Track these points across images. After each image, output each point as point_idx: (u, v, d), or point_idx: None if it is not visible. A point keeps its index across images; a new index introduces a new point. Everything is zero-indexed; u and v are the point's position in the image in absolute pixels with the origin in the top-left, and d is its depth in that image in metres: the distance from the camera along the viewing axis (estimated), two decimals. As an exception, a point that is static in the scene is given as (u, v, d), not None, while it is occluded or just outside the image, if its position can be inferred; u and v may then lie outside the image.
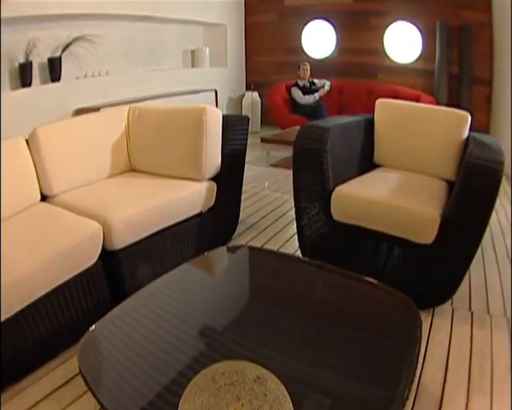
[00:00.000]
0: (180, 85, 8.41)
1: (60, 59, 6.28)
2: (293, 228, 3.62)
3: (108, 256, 2.86)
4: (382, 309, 2.19)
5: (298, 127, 7.04)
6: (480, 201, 2.63)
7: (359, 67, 9.29)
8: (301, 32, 9.74)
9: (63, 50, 6.35)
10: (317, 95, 8.53)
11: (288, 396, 1.56)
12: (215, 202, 3.61)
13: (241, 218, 4.11)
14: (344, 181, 3.32)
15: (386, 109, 4.10)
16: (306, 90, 8.54)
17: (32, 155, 3.37)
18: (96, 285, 2.76)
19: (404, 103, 4.25)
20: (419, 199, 3.00)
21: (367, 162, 3.93)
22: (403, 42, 8.73)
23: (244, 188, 4.16)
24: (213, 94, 8.59)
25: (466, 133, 3.68)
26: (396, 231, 2.90)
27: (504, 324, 2.88)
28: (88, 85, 6.68)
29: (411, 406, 2.17)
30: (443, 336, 2.74)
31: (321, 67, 9.46)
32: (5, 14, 5.33)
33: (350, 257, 3.18)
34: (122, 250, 2.90)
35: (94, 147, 3.75)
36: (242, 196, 4.11)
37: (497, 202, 2.71)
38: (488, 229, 2.82)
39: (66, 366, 2.51)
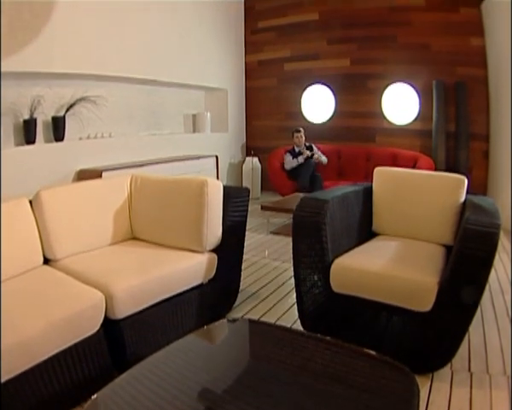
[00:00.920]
0: (181, 150, 8.50)
1: (64, 118, 6.38)
2: (294, 297, 3.63)
3: (110, 325, 2.86)
4: (380, 380, 2.20)
5: (298, 194, 7.19)
6: (477, 266, 2.67)
7: (357, 131, 9.44)
8: (300, 97, 9.93)
9: (67, 110, 6.45)
10: (300, 158, 8.43)
11: None
12: (216, 273, 3.62)
13: (241, 287, 4.12)
14: (343, 252, 3.36)
15: (383, 178, 4.18)
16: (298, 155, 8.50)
17: (35, 218, 3.43)
18: (97, 353, 2.77)
19: (401, 171, 4.35)
20: (416, 267, 3.04)
21: (366, 231, 3.98)
22: (400, 103, 8.88)
23: (244, 256, 4.19)
24: (214, 160, 8.65)
25: (463, 197, 3.77)
26: (394, 300, 2.92)
27: (504, 382, 2.88)
28: (91, 147, 6.75)
29: None
30: (442, 399, 2.73)
31: (320, 132, 9.65)
32: (11, 69, 5.46)
33: (349, 326, 3.19)
34: (124, 320, 2.90)
35: (97, 213, 3.82)
36: (243, 265, 4.13)
37: (496, 257, 2.73)
38: (487, 286, 2.83)
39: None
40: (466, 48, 8.31)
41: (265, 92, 10.37)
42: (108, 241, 3.86)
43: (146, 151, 7.69)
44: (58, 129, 6.32)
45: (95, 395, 2.00)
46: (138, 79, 7.66)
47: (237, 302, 4.05)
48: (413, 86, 8.75)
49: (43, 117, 6.23)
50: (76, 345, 2.62)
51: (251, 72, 10.52)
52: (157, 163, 7.26)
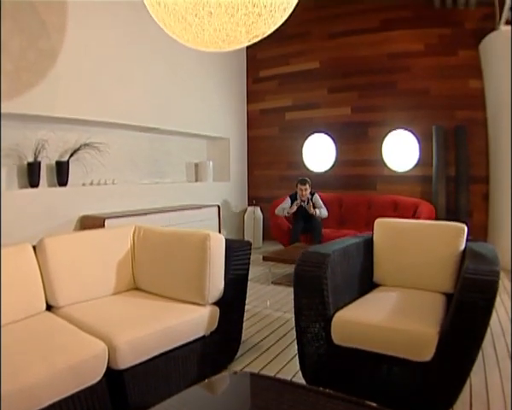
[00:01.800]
0: (184, 199, 8.56)
1: (67, 163, 6.46)
2: (295, 349, 3.64)
3: (113, 375, 2.87)
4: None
5: (299, 244, 7.21)
6: (477, 314, 2.70)
7: (358, 179, 9.52)
8: (302, 146, 10.05)
9: (71, 155, 6.54)
10: (289, 209, 8.22)
11: None
12: (218, 325, 3.63)
13: (243, 338, 4.12)
14: (344, 304, 3.39)
15: (384, 229, 4.24)
16: (304, 212, 8.20)
17: (38, 264, 3.50)
18: (99, 402, 2.77)
19: (401, 221, 4.40)
20: (416, 318, 3.07)
21: (367, 282, 4.01)
22: (400, 150, 8.96)
23: (246, 307, 4.21)
24: (216, 209, 8.67)
25: (463, 245, 3.83)
26: (395, 351, 2.94)
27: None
28: (94, 193, 6.81)
29: None
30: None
31: (321, 181, 9.69)
32: (16, 111, 5.57)
33: (351, 378, 3.19)
34: (126, 370, 2.91)
35: (100, 262, 3.88)
36: (244, 316, 4.13)
37: (497, 299, 2.75)
38: (488, 329, 2.86)
39: None
40: (465, 91, 8.46)
41: (267, 141, 10.48)
42: (111, 290, 3.91)
43: (148, 199, 7.74)
44: (62, 174, 6.41)
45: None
46: (142, 127, 7.78)
47: (239, 353, 4.05)
48: (413, 132, 8.86)
49: (47, 161, 6.34)
50: (78, 393, 2.63)
51: (253, 121, 10.64)
52: (159, 212, 7.29)
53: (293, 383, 3.27)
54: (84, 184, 6.94)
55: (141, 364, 3.01)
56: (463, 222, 4.06)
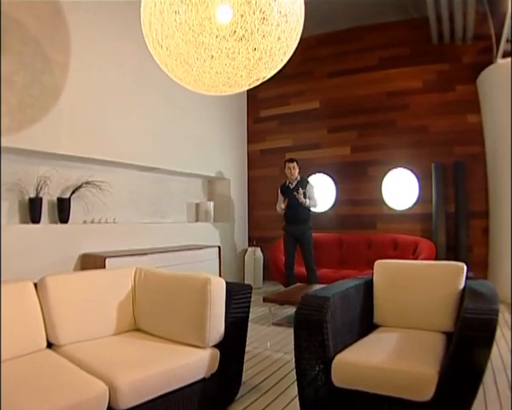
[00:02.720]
0: (184, 239, 8.55)
1: (69, 200, 6.48)
2: (295, 390, 3.62)
3: (113, 415, 2.86)
4: None
5: (300, 285, 7.21)
6: (477, 352, 2.71)
7: (358, 218, 9.59)
8: (302, 187, 9.94)
9: (73, 192, 6.57)
10: (282, 205, 8.13)
11: None
12: (218, 367, 3.62)
13: (243, 379, 4.09)
14: (344, 346, 3.39)
15: (384, 270, 4.27)
16: (291, 195, 8.08)
17: (39, 302, 3.54)
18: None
19: (400, 262, 4.44)
20: (416, 358, 3.07)
21: (367, 324, 4.01)
22: (400, 189, 9.05)
23: (247, 348, 4.20)
24: (217, 250, 8.66)
25: (462, 284, 3.86)
26: (395, 392, 2.93)
27: None
28: (95, 231, 6.81)
29: None
30: None
31: (321, 221, 9.76)
32: (19, 145, 5.65)
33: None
34: (126, 411, 2.90)
35: (101, 303, 3.90)
36: (245, 357, 4.11)
37: (498, 332, 2.76)
38: (489, 363, 2.85)
39: None
40: (463, 126, 8.59)
41: (267, 181, 10.53)
42: (112, 331, 3.92)
43: (149, 239, 7.75)
44: (63, 211, 6.44)
45: None
46: (143, 167, 7.83)
47: (239, 394, 4.02)
48: (412, 171, 8.94)
49: (49, 197, 6.38)
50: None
51: (253, 161, 10.70)
52: (160, 252, 7.29)
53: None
54: (85, 222, 6.97)
55: (141, 405, 2.99)
56: (463, 259, 4.09)
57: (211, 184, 10.23)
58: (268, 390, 4.22)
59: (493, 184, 8.06)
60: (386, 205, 9.27)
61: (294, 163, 8.17)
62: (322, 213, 9.94)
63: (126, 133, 7.31)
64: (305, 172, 9.77)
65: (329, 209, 9.90)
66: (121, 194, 7.74)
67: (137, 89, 7.57)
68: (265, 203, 10.35)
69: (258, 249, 10.13)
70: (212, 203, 9.62)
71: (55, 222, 6.45)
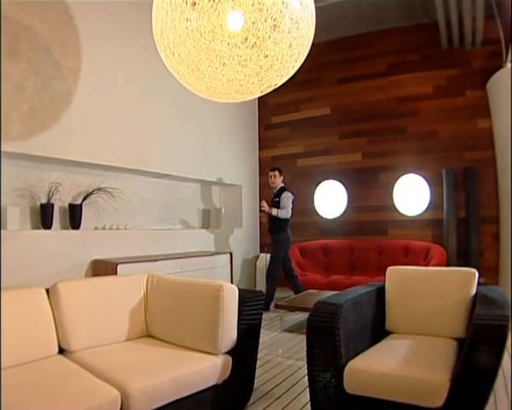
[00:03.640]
0: (196, 246, 8.58)
1: (80, 207, 6.49)
2: (307, 397, 3.62)
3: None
4: None
5: (311, 291, 7.20)
6: (488, 359, 2.71)
7: (370, 224, 9.54)
8: (313, 193, 10.06)
9: (84, 199, 6.59)
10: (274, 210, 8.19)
11: None
12: (230, 374, 3.62)
13: (255, 386, 4.10)
14: (356, 353, 3.38)
15: (396, 276, 4.28)
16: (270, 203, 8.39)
17: (51, 308, 3.56)
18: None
19: (412, 269, 4.43)
20: (428, 365, 3.07)
21: (379, 331, 4.01)
22: (411, 195, 8.99)
23: (258, 355, 4.17)
24: (228, 256, 8.67)
25: (474, 290, 3.87)
26: (406, 398, 2.92)
27: None
28: (106, 237, 6.83)
29: None
30: None
31: (332, 227, 9.80)
32: (31, 152, 5.67)
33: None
34: (138, 417, 2.89)
35: (113, 309, 3.92)
36: (257, 364, 4.12)
37: (509, 337, 2.75)
38: (500, 371, 2.84)
39: None
40: (473, 131, 8.55)
41: (279, 188, 10.42)
42: (123, 337, 3.93)
43: (161, 245, 7.75)
44: (74, 217, 6.45)
45: None
46: (154, 173, 7.84)
47: (251, 401, 4.02)
48: (423, 177, 8.89)
49: (60, 203, 6.39)
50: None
51: (265, 167, 10.68)
52: (171, 258, 7.29)
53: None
54: (96, 228, 6.98)
55: (152, 411, 2.99)
56: (474, 265, 4.09)
57: (222, 191, 10.24)
58: (279, 397, 4.22)
59: (503, 189, 8.01)
60: (397, 211, 9.24)
61: (276, 172, 8.39)
62: (333, 219, 9.95)
63: (137, 140, 7.33)
64: (317, 179, 9.81)
65: (341, 216, 9.87)
66: (133, 200, 7.76)
67: (148, 95, 7.59)
68: (277, 210, 10.38)
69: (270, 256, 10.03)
70: (223, 209, 9.63)
71: (67, 228, 6.47)
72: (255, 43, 3.37)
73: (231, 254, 8.71)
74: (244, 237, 10.26)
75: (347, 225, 9.80)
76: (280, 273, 8.37)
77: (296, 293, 7.96)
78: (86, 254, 6.45)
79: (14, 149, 5.54)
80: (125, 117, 7.12)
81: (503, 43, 7.89)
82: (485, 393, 2.76)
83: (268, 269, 8.30)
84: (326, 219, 10.01)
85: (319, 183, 10.05)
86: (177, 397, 3.16)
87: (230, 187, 10.00)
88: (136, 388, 2.86)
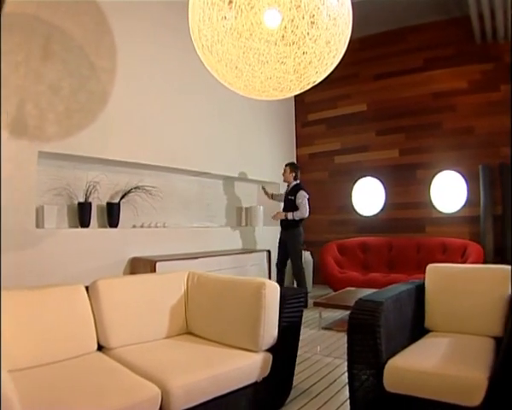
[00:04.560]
0: (234, 243, 8.62)
1: (118, 205, 6.56)
2: (345, 395, 3.63)
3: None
4: None
5: (350, 289, 7.18)
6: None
7: (407, 222, 9.44)
8: (351, 190, 10.02)
9: (122, 197, 6.66)
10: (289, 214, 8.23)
11: None
12: (270, 371, 3.63)
13: (293, 383, 4.10)
14: (396, 351, 3.36)
15: (435, 274, 4.23)
16: (283, 199, 8.54)
17: (91, 306, 3.60)
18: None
19: (452, 266, 4.41)
20: (466, 363, 3.03)
21: (418, 329, 3.97)
22: (448, 191, 8.90)
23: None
24: (266, 254, 8.69)
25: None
26: (445, 397, 2.90)
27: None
28: (144, 235, 6.88)
29: None
30: None
31: (370, 225, 9.73)
32: (67, 151, 5.77)
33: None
34: (177, 414, 2.90)
35: (153, 306, 3.94)
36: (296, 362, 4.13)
37: None
38: None
39: None
40: (508, 126, 8.32)
41: (317, 185, 10.43)
42: (163, 334, 3.96)
43: (199, 243, 7.79)
44: (112, 215, 6.53)
45: None
46: (192, 172, 7.89)
47: (289, 399, 4.02)
48: (460, 173, 8.78)
49: (98, 201, 6.47)
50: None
51: (302, 165, 10.63)
52: (210, 256, 7.32)
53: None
54: (134, 226, 7.04)
55: (192, 408, 3.00)
56: (511, 262, 4.02)
57: (260, 189, 10.19)
58: (318, 395, 4.20)
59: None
60: (434, 208, 9.15)
61: (287, 167, 8.39)
62: (371, 216, 9.91)
63: (175, 138, 7.39)
64: (354, 176, 9.77)
65: (379, 213, 9.82)
66: (171, 198, 7.82)
67: (185, 94, 7.64)
68: (315, 207, 10.25)
69: (308, 253, 10.07)
70: (261, 207, 9.63)
71: (105, 226, 6.55)
72: (294, 40, 3.37)
73: (269, 252, 8.71)
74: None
75: (385, 222, 9.73)
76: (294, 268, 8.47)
77: (279, 281, 8.21)
78: (124, 251, 6.52)
79: (51, 149, 5.63)
80: (162, 116, 7.17)
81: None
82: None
83: (294, 267, 8.35)
84: (364, 216, 9.97)
85: (357, 180, 10.02)
86: (217, 394, 3.17)
87: (269, 185, 9.93)
88: (177, 385, 2.87)
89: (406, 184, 9.52)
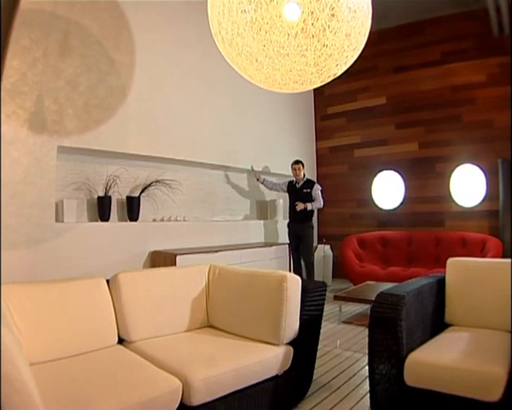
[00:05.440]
0: (254, 237, 8.65)
1: (138, 199, 6.59)
2: (365, 388, 3.63)
3: (185, 410, 2.88)
4: None
5: (370, 283, 7.17)
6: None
7: (427, 216, 9.42)
8: (371, 184, 9.99)
9: (142, 191, 6.69)
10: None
11: None
12: (291, 364, 3.62)
13: (313, 377, 4.11)
14: (417, 345, 3.35)
15: (456, 268, 4.20)
16: (297, 193, 8.58)
17: (112, 299, 3.62)
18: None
19: (473, 260, 4.37)
20: (486, 358, 3.02)
21: (438, 323, 3.95)
22: (468, 185, 8.85)
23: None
24: (287, 248, 8.68)
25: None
26: (465, 391, 2.89)
27: None
28: (164, 229, 6.92)
29: None
30: None
31: (390, 218, 9.72)
32: (86, 145, 5.82)
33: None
34: (198, 407, 2.90)
35: (174, 299, 3.95)
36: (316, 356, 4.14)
37: None
38: None
39: None
40: None
41: (337, 179, 10.48)
42: (184, 327, 3.97)
43: (219, 237, 7.82)
44: (133, 209, 6.55)
45: None
46: (212, 165, 7.90)
47: (309, 392, 4.03)
48: (480, 167, 8.72)
49: (118, 195, 6.51)
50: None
51: (322, 158, 10.67)
52: (230, 249, 7.33)
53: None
54: (154, 220, 7.07)
55: (213, 401, 3.00)
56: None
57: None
58: (338, 388, 4.21)
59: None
60: (454, 202, 9.10)
61: (300, 165, 8.56)
62: (391, 210, 9.88)
63: (195, 132, 7.41)
64: (374, 170, 9.75)
65: (398, 206, 9.79)
66: (191, 192, 7.85)
67: (204, 88, 7.66)
68: (335, 201, 10.28)
69: (328, 247, 10.08)
70: (281, 201, 9.63)
71: (125, 220, 6.58)
72: (315, 33, 3.36)
73: (289, 245, 8.70)
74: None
75: (405, 216, 9.70)
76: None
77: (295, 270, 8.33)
78: (145, 245, 6.55)
79: (70, 144, 5.67)
80: (181, 110, 7.19)
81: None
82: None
83: (307, 261, 8.49)
84: (384, 209, 9.95)
85: (377, 173, 10.00)
86: (238, 388, 3.17)
87: (287, 178, 9.86)
88: (198, 378, 2.88)
89: (426, 177, 9.48)
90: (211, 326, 4.12)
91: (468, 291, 4.01)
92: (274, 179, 9.19)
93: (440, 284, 4.11)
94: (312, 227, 8.51)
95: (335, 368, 4.76)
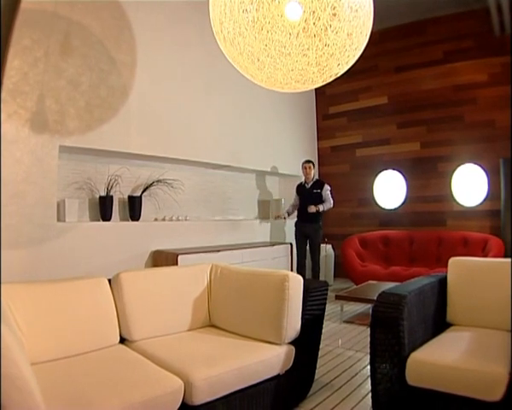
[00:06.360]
0: (256, 237, 8.65)
1: (140, 198, 6.59)
2: (366, 388, 3.63)
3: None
4: None
5: (371, 282, 7.16)
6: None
7: (428, 215, 9.41)
8: (373, 183, 9.97)
9: (143, 191, 6.69)
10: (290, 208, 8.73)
11: None
12: (293, 364, 3.62)
13: (315, 376, 4.11)
14: (418, 345, 3.35)
15: (458, 268, 4.20)
16: (307, 194, 8.58)
17: (114, 298, 3.62)
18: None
19: (475, 260, 4.36)
20: (488, 358, 3.02)
21: (440, 322, 3.95)
22: (469, 185, 8.83)
23: (318, 346, 4.21)
24: (289, 247, 8.70)
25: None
26: (466, 391, 2.89)
27: None
28: (166, 229, 6.92)
29: None
30: None
31: (392, 218, 9.69)
32: (88, 145, 5.78)
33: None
34: (199, 406, 2.90)
35: (176, 299, 3.95)
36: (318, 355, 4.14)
37: None
38: None
39: None
40: None
41: (338, 178, 10.45)
42: (186, 327, 3.97)
43: (221, 236, 7.82)
44: (134, 208, 6.56)
45: None
46: (214, 165, 7.90)
47: (311, 392, 4.03)
48: (481, 166, 8.72)
49: (119, 195, 6.52)
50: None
51: (324, 158, 10.67)
52: (232, 249, 7.34)
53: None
54: (156, 220, 7.08)
55: (215, 400, 3.00)
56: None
57: (282, 182, 10.26)
58: (339, 388, 4.21)
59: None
60: (455, 201, 9.09)
61: (311, 164, 8.58)
62: (393, 210, 9.87)
63: (197, 132, 7.40)
64: (376, 169, 9.75)
65: (400, 206, 9.78)
66: (193, 192, 7.86)
67: (206, 88, 7.65)
68: (336, 201, 10.20)
69: (330, 246, 10.07)
70: (283, 200, 9.63)
71: (126, 220, 6.59)
72: (316, 32, 3.36)
73: (291, 245, 8.73)
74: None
75: (406, 215, 9.70)
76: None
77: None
78: (146, 244, 6.55)
79: (72, 144, 5.67)
80: (183, 109, 7.19)
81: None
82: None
83: (314, 262, 8.46)
84: (385, 209, 9.94)
85: (378, 173, 10.00)
86: (240, 387, 3.17)
87: (290, 178, 9.96)
88: (200, 377, 2.87)
89: (427, 177, 9.47)
90: (212, 326, 4.12)
91: (470, 291, 4.01)
92: (291, 201, 9.19)
93: (442, 283, 4.11)
94: (321, 228, 8.52)
95: (337, 368, 4.76)
